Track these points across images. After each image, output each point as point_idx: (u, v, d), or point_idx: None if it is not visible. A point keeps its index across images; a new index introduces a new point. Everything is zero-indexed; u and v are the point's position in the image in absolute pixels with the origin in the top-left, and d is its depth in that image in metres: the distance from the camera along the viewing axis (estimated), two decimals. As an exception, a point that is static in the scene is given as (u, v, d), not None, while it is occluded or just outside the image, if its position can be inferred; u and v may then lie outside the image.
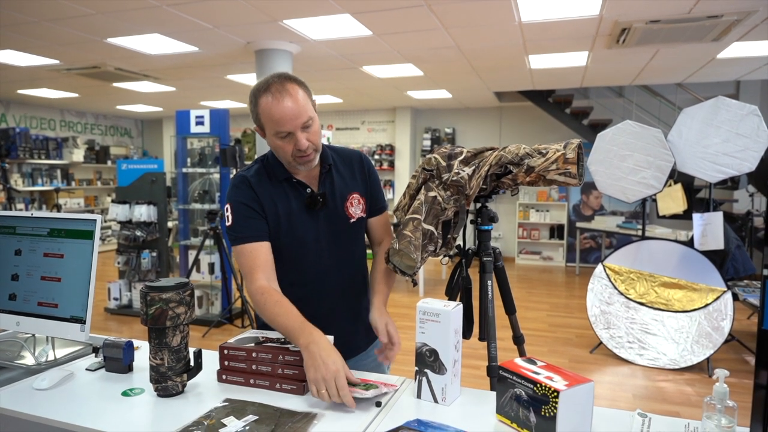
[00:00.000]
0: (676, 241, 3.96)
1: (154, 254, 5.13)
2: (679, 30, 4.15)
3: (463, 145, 1.79)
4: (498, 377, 1.05)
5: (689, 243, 3.98)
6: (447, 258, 1.68)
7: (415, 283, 1.54)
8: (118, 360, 1.31)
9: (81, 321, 1.35)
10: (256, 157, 4.09)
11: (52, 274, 1.40)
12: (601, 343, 4.03)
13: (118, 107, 9.09)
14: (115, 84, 6.67)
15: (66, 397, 1.18)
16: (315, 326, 1.22)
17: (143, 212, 5.01)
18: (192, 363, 1.21)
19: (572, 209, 8.01)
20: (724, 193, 6.80)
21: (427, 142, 8.78)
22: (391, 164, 8.91)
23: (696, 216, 3.91)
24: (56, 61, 5.40)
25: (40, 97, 7.87)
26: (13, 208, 6.41)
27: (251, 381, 1.22)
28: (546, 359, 1.11)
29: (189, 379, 1.20)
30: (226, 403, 1.12)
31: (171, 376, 1.16)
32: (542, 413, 0.95)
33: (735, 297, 3.81)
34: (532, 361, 1.06)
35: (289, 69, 4.88)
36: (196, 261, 4.82)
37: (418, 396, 1.17)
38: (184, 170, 5.19)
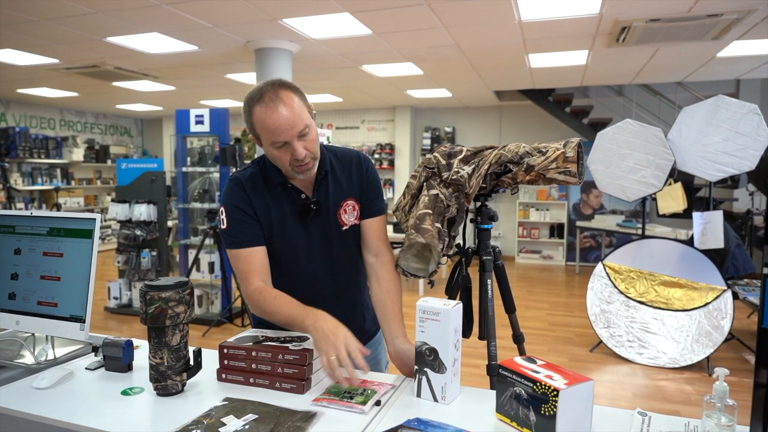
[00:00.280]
0: (676, 240, 3.96)
1: (154, 253, 5.13)
2: (679, 29, 4.15)
3: (463, 144, 1.79)
4: (498, 376, 1.05)
5: (689, 242, 3.98)
6: (446, 257, 1.67)
7: (432, 284, 1.52)
8: (117, 359, 1.31)
9: (80, 320, 1.35)
10: (256, 156, 4.08)
11: (52, 273, 1.40)
12: (601, 341, 4.03)
13: (118, 106, 9.08)
14: (115, 83, 6.67)
15: (66, 396, 1.18)
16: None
17: (143, 211, 5.01)
18: (191, 362, 1.21)
19: (572, 208, 8.01)
20: (724, 191, 6.80)
21: (427, 141, 8.77)
22: (391, 163, 8.91)
23: (696, 215, 3.91)
24: (56, 60, 5.39)
25: (39, 97, 7.87)
26: (13, 207, 6.41)
27: (251, 380, 1.22)
28: (546, 358, 1.11)
29: (188, 378, 1.20)
30: (226, 402, 1.12)
31: (170, 375, 1.16)
32: (542, 412, 0.95)
33: (735, 296, 3.82)
34: (531, 360, 1.06)
35: (288, 68, 4.88)
36: (196, 260, 4.82)
37: (418, 395, 1.17)
38: (184, 169, 5.18)
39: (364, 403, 1.11)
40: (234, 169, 4.64)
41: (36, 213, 1.45)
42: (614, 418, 1.06)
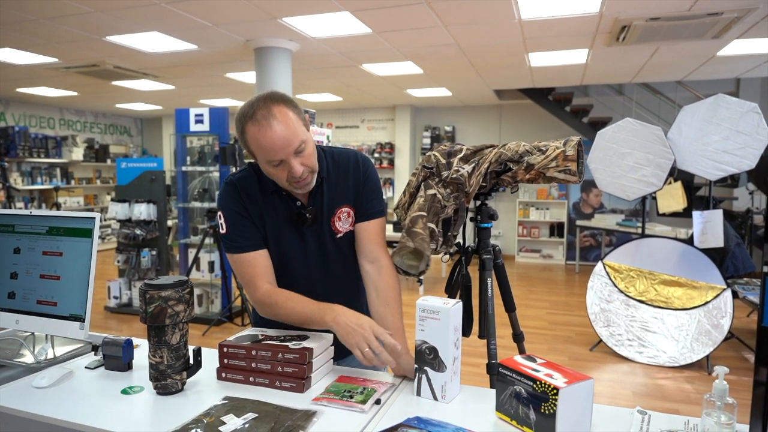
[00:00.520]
0: (675, 238, 3.96)
1: (154, 252, 5.13)
2: (679, 27, 4.15)
3: (463, 142, 1.78)
4: (498, 375, 1.05)
5: (689, 241, 3.98)
6: (447, 256, 1.67)
7: (421, 282, 1.53)
8: (117, 358, 1.31)
9: (80, 319, 1.35)
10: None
11: (51, 273, 1.40)
12: (600, 340, 4.03)
13: (118, 105, 9.08)
14: (114, 82, 6.66)
15: (65, 395, 1.18)
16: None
17: (143, 211, 5.01)
18: (191, 361, 1.21)
19: (572, 207, 8.01)
20: (723, 190, 6.80)
21: (427, 140, 8.77)
22: (391, 162, 8.91)
23: (696, 214, 3.91)
24: (55, 60, 5.39)
25: (39, 96, 7.86)
26: (13, 206, 6.40)
27: (251, 379, 1.22)
28: (546, 357, 1.11)
29: (188, 377, 1.20)
30: (226, 401, 1.12)
31: (170, 374, 1.16)
32: (542, 410, 0.95)
33: (735, 295, 3.82)
34: (531, 359, 1.06)
35: (288, 67, 4.88)
36: (196, 259, 4.82)
37: (418, 393, 1.17)
38: (184, 168, 5.18)
39: (363, 402, 1.11)
40: (234, 169, 4.64)
41: (35, 212, 1.45)
42: (614, 417, 1.06)
